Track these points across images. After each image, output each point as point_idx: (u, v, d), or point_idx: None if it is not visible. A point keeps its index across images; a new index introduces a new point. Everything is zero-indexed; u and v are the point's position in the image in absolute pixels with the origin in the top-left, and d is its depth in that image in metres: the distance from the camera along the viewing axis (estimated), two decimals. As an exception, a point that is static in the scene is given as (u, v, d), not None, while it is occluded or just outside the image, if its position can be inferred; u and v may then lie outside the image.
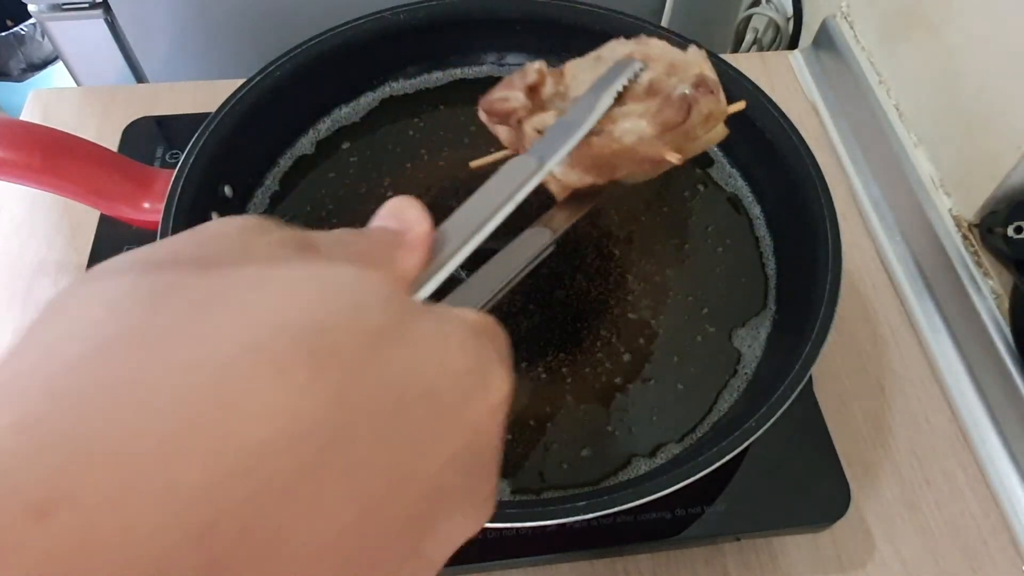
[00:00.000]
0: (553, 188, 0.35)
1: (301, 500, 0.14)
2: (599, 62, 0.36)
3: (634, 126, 0.32)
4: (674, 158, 0.32)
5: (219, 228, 0.18)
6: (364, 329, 0.16)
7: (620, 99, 0.33)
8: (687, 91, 0.32)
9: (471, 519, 0.18)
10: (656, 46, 0.35)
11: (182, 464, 0.13)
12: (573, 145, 0.31)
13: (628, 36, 0.37)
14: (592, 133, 0.32)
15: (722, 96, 0.34)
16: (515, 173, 0.27)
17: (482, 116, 0.38)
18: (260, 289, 0.16)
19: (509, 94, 0.35)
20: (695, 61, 0.34)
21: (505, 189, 0.26)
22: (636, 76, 0.34)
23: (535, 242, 0.33)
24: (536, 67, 0.35)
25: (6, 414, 0.13)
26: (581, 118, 0.32)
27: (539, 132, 0.34)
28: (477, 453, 0.18)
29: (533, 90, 0.35)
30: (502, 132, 0.37)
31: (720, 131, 0.35)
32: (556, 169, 0.33)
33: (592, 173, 0.34)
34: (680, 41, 0.36)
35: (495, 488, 0.19)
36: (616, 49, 0.36)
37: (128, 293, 0.15)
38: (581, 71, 0.36)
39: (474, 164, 0.39)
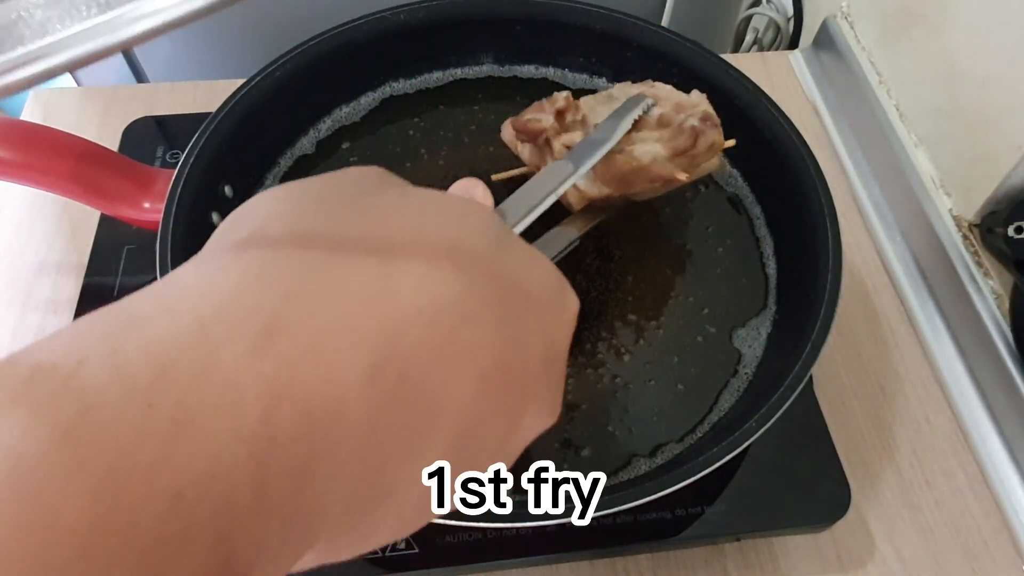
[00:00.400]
0: (572, 199, 0.40)
1: (442, 360, 0.18)
2: (611, 99, 0.42)
3: (651, 148, 0.38)
4: (683, 176, 0.38)
5: (359, 170, 0.23)
6: (486, 239, 0.20)
7: (636, 127, 0.39)
8: (696, 123, 0.39)
9: (543, 418, 0.22)
10: (663, 88, 0.41)
11: (363, 318, 0.17)
12: (602, 155, 0.36)
13: (635, 80, 0.43)
14: (616, 152, 0.38)
15: (721, 131, 0.40)
16: (555, 173, 0.33)
17: (506, 135, 0.44)
18: (408, 206, 0.20)
19: (540, 116, 0.40)
20: (699, 102, 0.40)
21: (548, 185, 0.32)
22: (648, 109, 0.40)
23: (563, 237, 0.40)
24: (564, 95, 0.41)
25: (236, 270, 0.17)
26: (607, 135, 0.37)
27: (568, 147, 0.39)
28: (555, 357, 0.22)
29: (560, 114, 0.40)
30: (525, 151, 0.43)
31: (716, 162, 0.41)
32: (580, 181, 0.38)
33: (610, 186, 0.39)
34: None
35: (561, 397, 0.23)
36: (626, 89, 0.42)
37: (308, 202, 0.20)
38: (597, 104, 0.42)
39: (496, 177, 0.45)
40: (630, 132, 0.39)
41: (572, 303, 0.23)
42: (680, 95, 0.41)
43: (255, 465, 0.15)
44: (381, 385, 0.17)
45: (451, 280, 0.19)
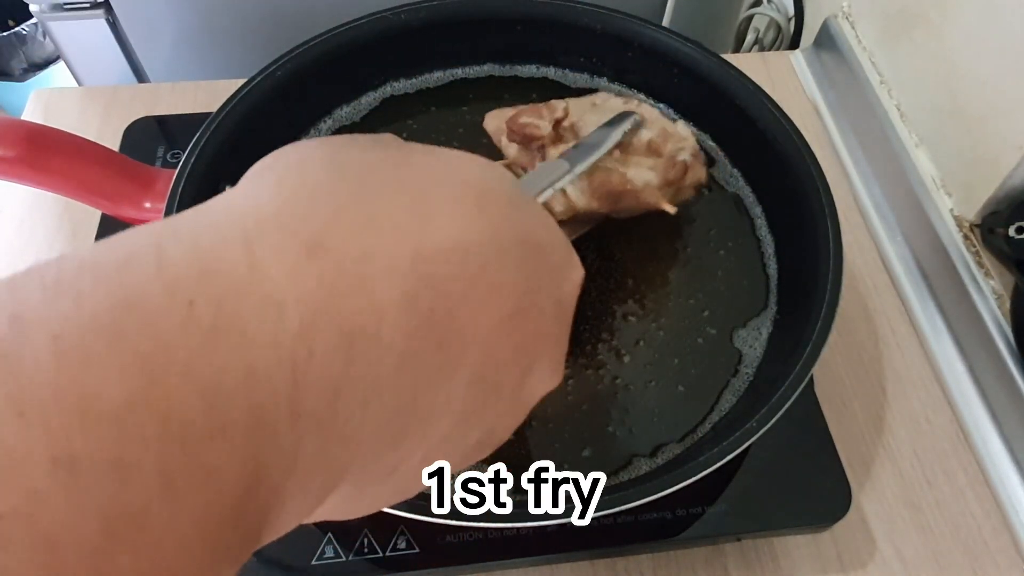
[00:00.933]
0: (557, 208, 0.41)
1: (469, 295, 0.19)
2: (596, 107, 0.44)
3: (645, 175, 0.41)
4: (670, 209, 0.41)
5: (378, 135, 0.23)
6: (506, 191, 0.21)
7: (625, 149, 0.41)
8: (688, 159, 0.41)
9: (550, 375, 0.23)
10: (649, 111, 0.43)
11: (399, 247, 0.17)
12: (595, 159, 0.39)
13: (618, 94, 0.45)
14: (613, 171, 0.40)
15: (705, 169, 0.43)
16: (552, 170, 0.35)
17: (490, 127, 0.45)
18: (434, 155, 0.21)
19: (539, 123, 0.42)
20: (687, 136, 0.43)
21: (546, 179, 0.34)
22: (636, 125, 0.42)
23: None
24: (564, 105, 0.43)
25: (279, 194, 0.18)
26: (600, 141, 0.40)
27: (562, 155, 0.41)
28: (563, 315, 0.23)
29: (558, 123, 0.42)
30: (511, 149, 0.44)
31: (692, 193, 0.44)
32: (571, 191, 0.40)
33: (599, 202, 0.41)
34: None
35: (564, 359, 0.24)
36: (608, 99, 0.44)
37: (341, 146, 0.21)
38: (583, 111, 0.43)
39: None
40: (624, 154, 0.41)
41: (579, 268, 0.24)
42: (666, 121, 0.43)
43: (291, 377, 0.15)
44: (413, 313, 0.17)
45: (477, 223, 0.19)
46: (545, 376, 0.23)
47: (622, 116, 0.42)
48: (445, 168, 0.21)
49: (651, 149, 0.42)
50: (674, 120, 0.44)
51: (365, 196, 0.18)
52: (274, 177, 0.19)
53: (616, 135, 0.40)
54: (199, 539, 0.13)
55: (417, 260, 0.18)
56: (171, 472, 0.13)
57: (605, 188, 0.40)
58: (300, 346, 0.15)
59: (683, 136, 0.42)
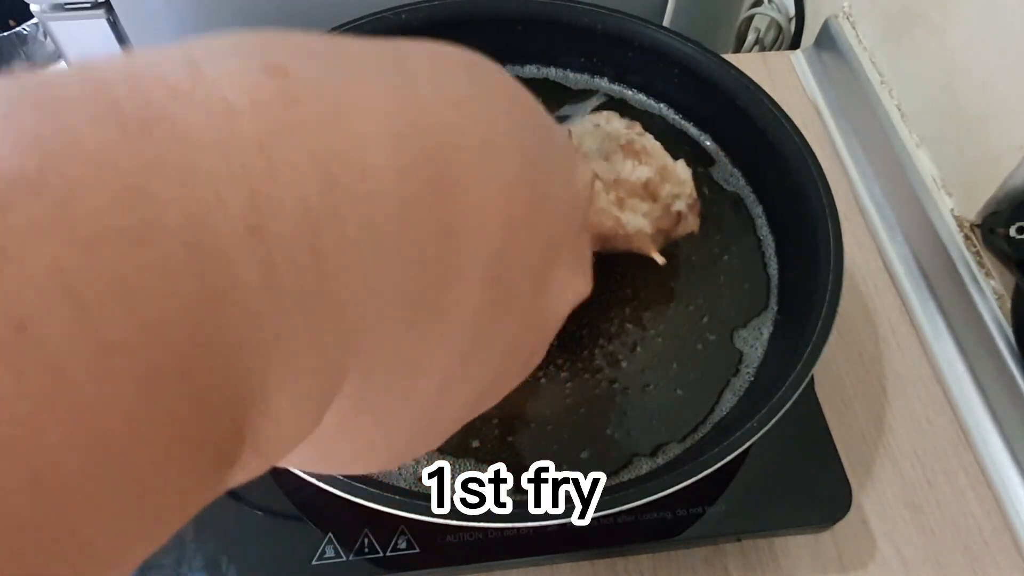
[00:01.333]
0: None
1: (471, 169, 0.16)
2: (598, 128, 0.44)
3: (638, 221, 0.41)
4: (659, 259, 0.41)
5: None
6: (501, 71, 0.19)
7: (621, 186, 0.41)
8: (683, 209, 0.41)
9: (577, 279, 0.21)
10: (652, 143, 0.43)
11: (385, 96, 0.14)
12: (568, 130, 0.40)
13: (623, 114, 0.45)
14: (608, 216, 0.41)
15: (698, 219, 0.43)
16: None
17: None
18: (415, 41, 0.18)
19: None
20: (686, 179, 0.42)
21: None
22: (603, 102, 0.43)
23: None
24: (567, 129, 0.43)
25: (240, 40, 0.15)
26: (572, 115, 0.41)
27: None
28: (577, 212, 0.21)
29: None
30: None
31: (678, 238, 0.44)
32: None
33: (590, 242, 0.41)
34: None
35: (589, 261, 0.23)
36: (612, 120, 0.44)
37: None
38: (586, 135, 0.44)
39: None
40: (619, 194, 0.42)
41: (587, 171, 0.22)
42: (666, 158, 0.43)
43: (247, 192, 0.12)
44: (408, 163, 0.14)
45: (472, 88, 0.17)
46: (572, 280, 0.21)
47: (588, 92, 0.44)
48: (430, 46, 0.18)
49: (648, 190, 0.41)
50: (676, 158, 0.43)
51: (341, 54, 0.15)
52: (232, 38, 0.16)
53: (587, 108, 0.42)
54: (139, 399, 0.11)
55: (406, 112, 0.15)
56: (71, 274, 0.10)
57: (597, 230, 0.40)
58: (258, 155, 0.12)
59: (682, 179, 0.42)
